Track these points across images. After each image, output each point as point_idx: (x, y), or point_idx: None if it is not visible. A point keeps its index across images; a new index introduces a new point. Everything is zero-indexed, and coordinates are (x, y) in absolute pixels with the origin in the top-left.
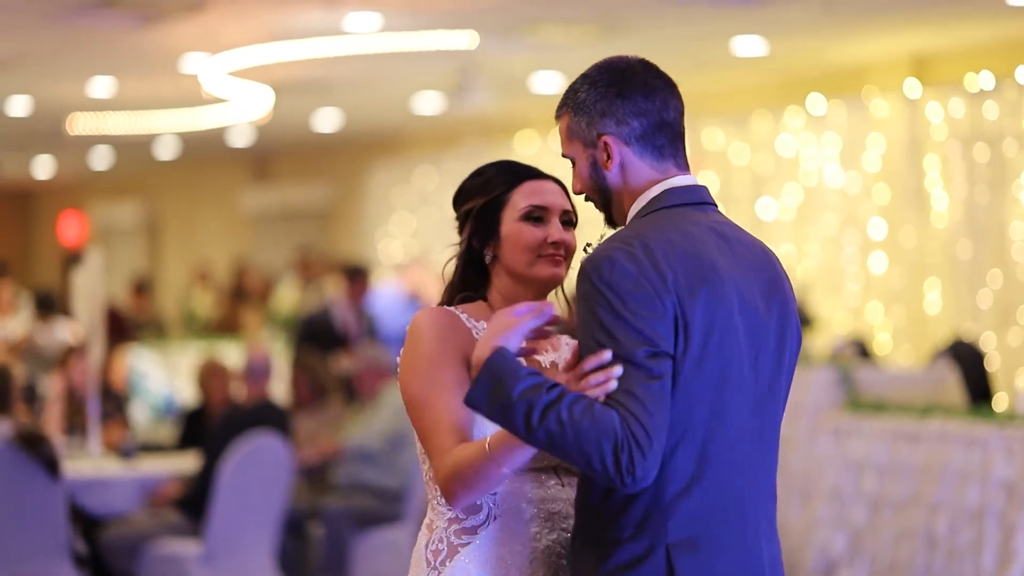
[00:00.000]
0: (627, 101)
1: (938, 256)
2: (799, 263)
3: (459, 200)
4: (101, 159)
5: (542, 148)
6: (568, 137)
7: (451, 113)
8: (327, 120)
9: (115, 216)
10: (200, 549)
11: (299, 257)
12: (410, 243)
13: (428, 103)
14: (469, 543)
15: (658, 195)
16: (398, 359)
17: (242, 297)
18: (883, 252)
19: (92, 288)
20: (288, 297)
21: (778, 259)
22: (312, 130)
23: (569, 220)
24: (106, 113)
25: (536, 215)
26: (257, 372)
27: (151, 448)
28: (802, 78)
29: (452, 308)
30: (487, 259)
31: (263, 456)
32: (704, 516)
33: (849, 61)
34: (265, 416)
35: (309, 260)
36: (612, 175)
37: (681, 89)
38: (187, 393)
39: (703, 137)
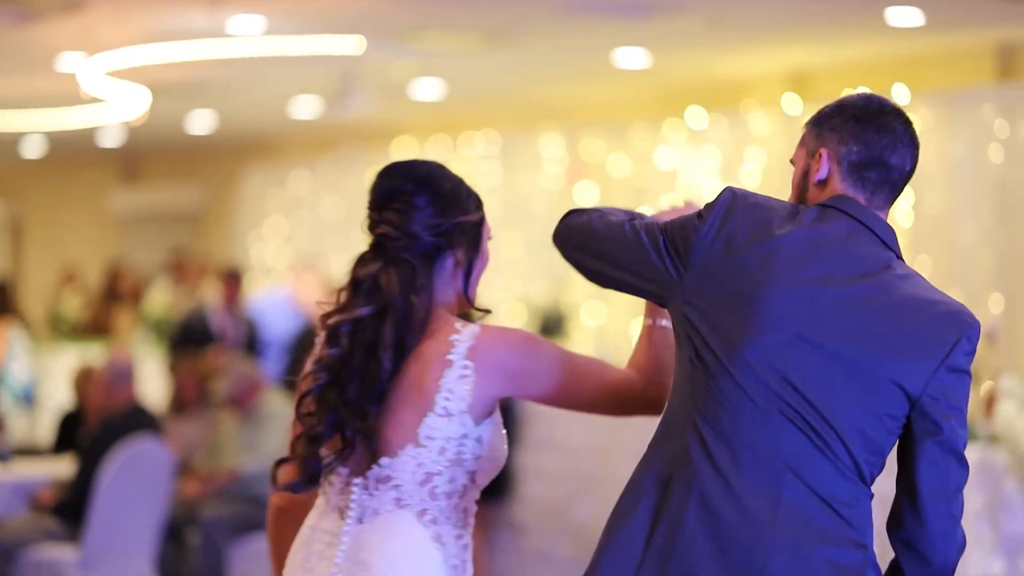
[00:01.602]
0: (858, 126)
1: None
2: None
3: (448, 200)
4: None
5: (419, 155)
6: (800, 144)
7: (328, 118)
8: (201, 122)
9: None
10: (78, 555)
11: (173, 259)
12: (283, 248)
13: (306, 107)
14: (467, 559)
15: (831, 198)
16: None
17: (114, 299)
18: None
19: None
20: (160, 300)
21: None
22: (185, 132)
23: None
24: None
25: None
26: (122, 376)
27: (27, 451)
28: (683, 91)
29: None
30: (456, 267)
31: (142, 461)
32: None
33: (730, 75)
34: (137, 420)
35: (183, 262)
36: (815, 184)
37: (561, 99)
38: (60, 396)
39: (582, 147)
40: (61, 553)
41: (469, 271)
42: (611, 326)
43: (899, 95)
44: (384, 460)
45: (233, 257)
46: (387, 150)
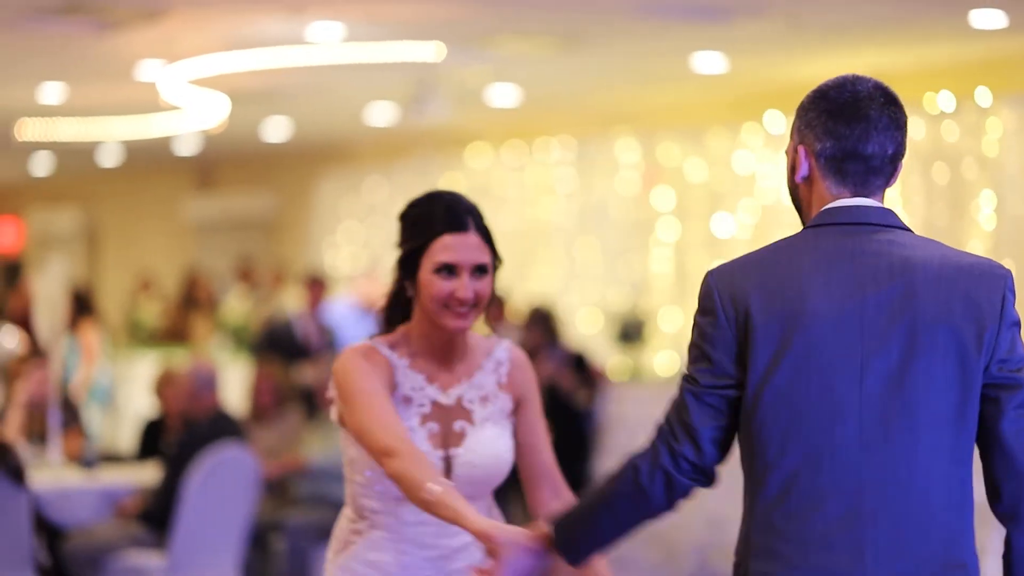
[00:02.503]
0: (831, 121)
1: None
2: None
3: (400, 228)
4: (41, 165)
5: (494, 161)
6: (790, 134)
7: (403, 124)
8: (276, 129)
9: (54, 223)
10: (164, 561)
11: (242, 266)
12: (359, 254)
13: (381, 114)
14: (355, 542)
15: (817, 215)
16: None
17: (191, 306)
18: None
19: (53, 296)
20: (236, 306)
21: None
22: (260, 139)
23: (483, 269)
24: (55, 119)
25: (447, 269)
26: (206, 382)
27: (110, 458)
28: (761, 95)
29: (371, 342)
30: (409, 294)
31: (228, 468)
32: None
33: (808, 79)
34: (221, 427)
35: (252, 269)
36: (800, 183)
37: (637, 103)
38: (139, 402)
39: (659, 152)
40: (147, 560)
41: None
42: (688, 330)
43: (982, 97)
44: None
45: (308, 264)
46: (462, 156)
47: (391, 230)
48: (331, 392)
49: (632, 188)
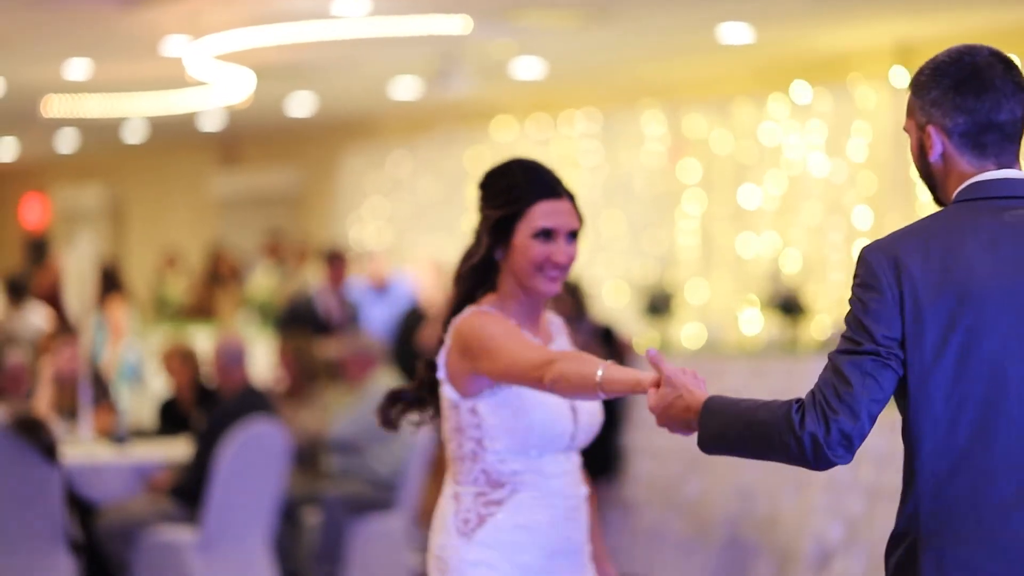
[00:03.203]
0: (959, 96)
1: None
2: (782, 252)
3: (485, 196)
4: (67, 141)
5: (519, 135)
6: (908, 113)
7: (427, 98)
8: (301, 104)
9: (79, 199)
10: (196, 536)
11: (270, 241)
12: (384, 229)
13: (405, 88)
14: (496, 512)
15: (963, 189)
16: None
17: (216, 282)
18: (869, 241)
19: (83, 272)
20: (262, 282)
21: None
22: (285, 114)
23: (575, 234)
24: (81, 95)
25: (545, 234)
26: (235, 357)
27: (140, 433)
28: (786, 65)
29: (479, 307)
30: (498, 258)
31: (259, 443)
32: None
33: (835, 49)
34: (252, 402)
35: (279, 244)
36: (935, 162)
37: (662, 76)
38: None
39: (684, 124)
40: (180, 535)
41: (504, 259)
42: (714, 303)
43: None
44: None
45: (333, 239)
46: (487, 130)
47: (415, 204)
48: (445, 371)
49: (658, 161)
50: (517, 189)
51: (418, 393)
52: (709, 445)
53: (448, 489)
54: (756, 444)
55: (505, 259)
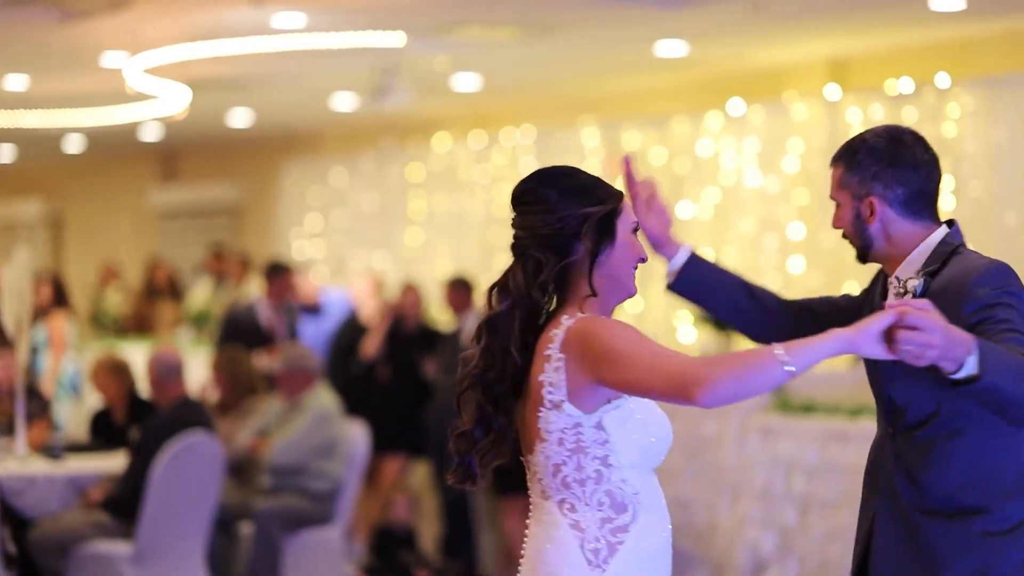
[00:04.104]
0: (897, 170)
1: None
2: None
3: (565, 196)
4: (5, 154)
5: (458, 149)
6: (839, 186)
7: (367, 113)
8: (241, 118)
9: (17, 213)
10: (131, 549)
11: (210, 255)
12: (324, 243)
13: (344, 102)
14: (624, 540)
15: (942, 241)
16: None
17: (154, 295)
18: (801, 254)
19: (19, 287)
20: (201, 295)
21: None
22: (224, 128)
23: None
24: (19, 110)
25: (635, 230)
26: (171, 370)
27: (76, 448)
28: (722, 81)
29: (589, 313)
30: (603, 258)
31: (194, 455)
32: None
33: (770, 65)
34: (188, 415)
35: (220, 258)
36: (873, 229)
37: (600, 91)
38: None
39: (623, 139)
40: (114, 548)
41: (593, 261)
42: (650, 315)
43: (941, 81)
44: (528, 457)
45: (274, 252)
46: (425, 145)
47: (355, 218)
48: (564, 389)
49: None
50: (603, 185)
51: (490, 428)
52: (988, 375)
53: (558, 519)
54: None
55: (605, 259)
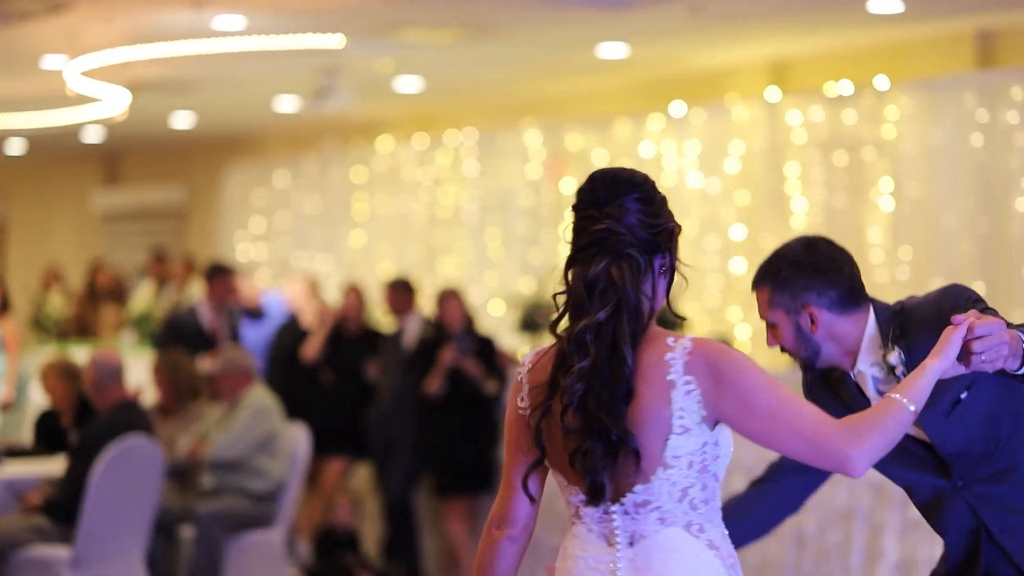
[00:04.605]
0: (824, 275)
1: None
2: None
3: (659, 205)
4: None
5: (401, 152)
6: (769, 306)
7: (310, 115)
8: (183, 121)
9: None
10: (70, 553)
11: (153, 258)
12: (268, 246)
13: (287, 105)
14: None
15: (880, 313)
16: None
17: (97, 298)
18: (743, 255)
19: None
20: (144, 298)
21: None
22: (167, 131)
23: None
24: None
25: None
26: (111, 373)
27: (16, 452)
28: (664, 84)
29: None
30: (661, 272)
31: (133, 459)
32: None
33: (711, 67)
34: (128, 418)
35: (163, 261)
36: (818, 336)
37: (542, 93)
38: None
39: (565, 141)
40: (53, 552)
41: (672, 278)
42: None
43: (880, 83)
44: (638, 487)
45: (218, 255)
46: (368, 147)
47: (299, 221)
48: (699, 413)
49: (539, 178)
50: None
51: (609, 440)
52: None
53: (692, 542)
54: None
55: (661, 273)
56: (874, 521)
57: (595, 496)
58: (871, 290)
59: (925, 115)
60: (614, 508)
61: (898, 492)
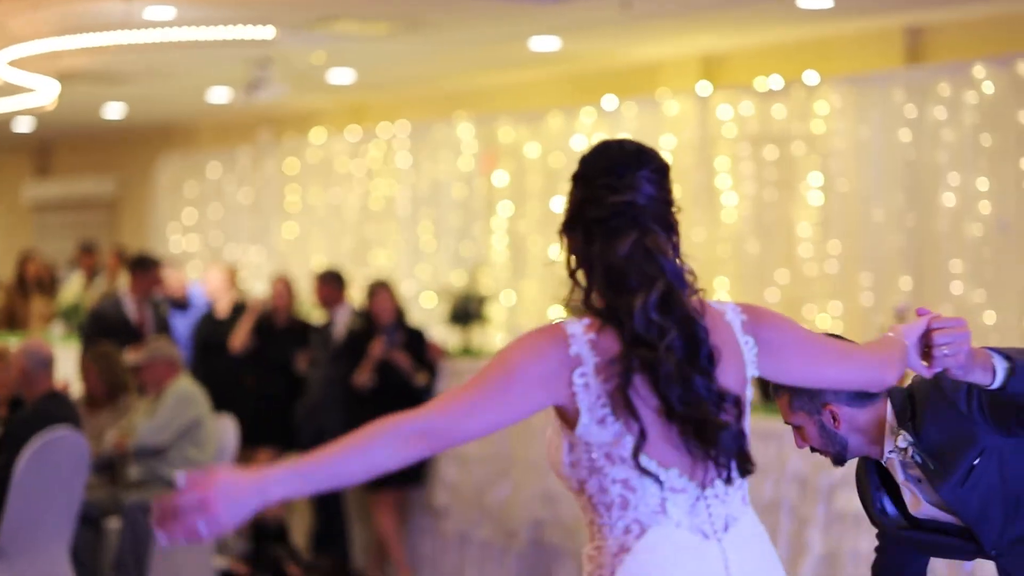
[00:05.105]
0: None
1: (727, 254)
2: None
3: (666, 189)
4: None
5: (334, 144)
6: (791, 410)
7: (243, 107)
8: (115, 112)
9: None
10: None
11: (81, 249)
12: (200, 237)
13: (221, 96)
14: None
15: (903, 399)
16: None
17: (26, 290)
18: None
19: None
20: (73, 289)
21: None
22: (99, 121)
23: None
24: None
25: None
26: (40, 363)
27: None
28: (597, 77)
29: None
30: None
31: (58, 449)
32: None
33: (642, 61)
34: (55, 409)
35: (93, 252)
36: (843, 431)
37: (475, 86)
38: None
39: (498, 134)
40: None
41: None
42: (524, 309)
43: (809, 78)
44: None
45: (151, 246)
46: (301, 139)
47: (231, 212)
48: (756, 369)
49: (471, 170)
50: None
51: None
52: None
53: (755, 517)
54: None
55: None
56: (799, 514)
57: (742, 466)
58: (799, 285)
59: (854, 110)
60: (706, 494)
61: (823, 485)
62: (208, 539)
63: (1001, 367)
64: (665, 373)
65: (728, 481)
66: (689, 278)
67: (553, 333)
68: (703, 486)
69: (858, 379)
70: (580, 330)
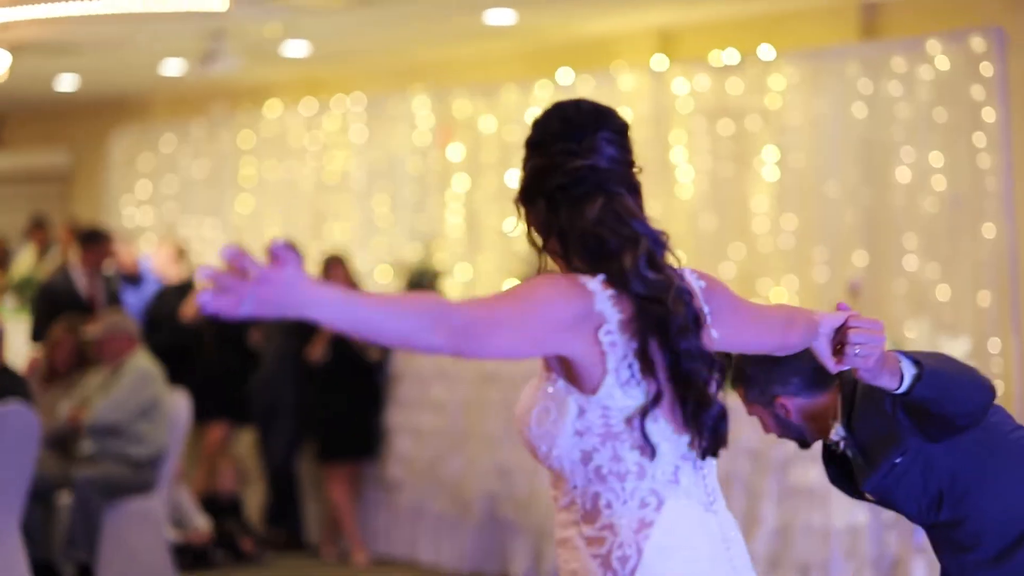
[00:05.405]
0: (783, 366)
1: (682, 228)
2: None
3: (627, 149)
4: None
5: (288, 117)
6: (749, 402)
7: (198, 79)
8: (68, 83)
9: None
10: None
11: (32, 223)
12: (154, 210)
13: (175, 68)
14: None
15: (850, 390)
16: None
17: None
18: None
19: None
20: (25, 263)
21: None
22: (51, 93)
23: None
24: None
25: None
26: None
27: None
28: (552, 51)
29: None
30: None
31: (8, 424)
32: None
33: (598, 35)
34: (5, 384)
35: (42, 226)
36: (795, 420)
37: (430, 59)
38: None
39: (453, 107)
40: None
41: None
42: (480, 282)
43: (765, 53)
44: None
45: (104, 220)
46: (258, 112)
47: (185, 186)
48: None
49: (427, 144)
50: None
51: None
52: (927, 363)
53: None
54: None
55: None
56: (752, 488)
57: (724, 436)
58: (755, 260)
59: (809, 85)
60: (700, 465)
61: (775, 459)
62: (240, 315)
63: (909, 373)
64: (677, 327)
65: (715, 452)
66: (664, 239)
67: (574, 282)
68: (702, 455)
69: (768, 343)
70: (599, 286)
